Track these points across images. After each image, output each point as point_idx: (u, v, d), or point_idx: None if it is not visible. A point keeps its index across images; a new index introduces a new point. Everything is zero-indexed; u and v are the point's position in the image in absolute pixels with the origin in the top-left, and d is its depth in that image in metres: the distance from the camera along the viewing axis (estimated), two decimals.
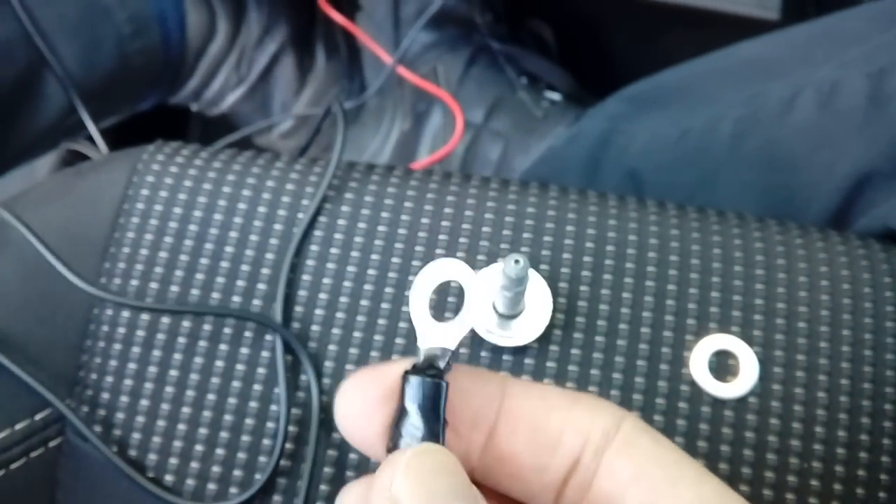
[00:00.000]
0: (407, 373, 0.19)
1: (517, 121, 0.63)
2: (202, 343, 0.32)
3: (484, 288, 0.30)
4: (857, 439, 0.30)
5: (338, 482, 0.30)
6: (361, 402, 0.19)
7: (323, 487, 0.30)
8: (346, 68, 0.70)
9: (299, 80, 0.68)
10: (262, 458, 0.30)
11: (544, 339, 0.30)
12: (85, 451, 0.31)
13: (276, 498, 0.30)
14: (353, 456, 0.30)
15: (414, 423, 0.19)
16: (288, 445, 0.30)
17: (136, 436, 0.31)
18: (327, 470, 0.30)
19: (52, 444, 0.32)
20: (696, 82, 0.50)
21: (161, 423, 0.31)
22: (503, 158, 0.62)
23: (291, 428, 0.30)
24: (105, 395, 0.31)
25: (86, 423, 0.31)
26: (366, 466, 0.30)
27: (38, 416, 0.31)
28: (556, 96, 0.65)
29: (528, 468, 0.19)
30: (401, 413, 0.19)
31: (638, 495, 0.18)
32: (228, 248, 0.33)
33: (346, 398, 0.20)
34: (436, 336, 0.20)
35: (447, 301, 0.31)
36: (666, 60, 0.54)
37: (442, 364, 0.19)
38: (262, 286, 0.32)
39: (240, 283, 0.32)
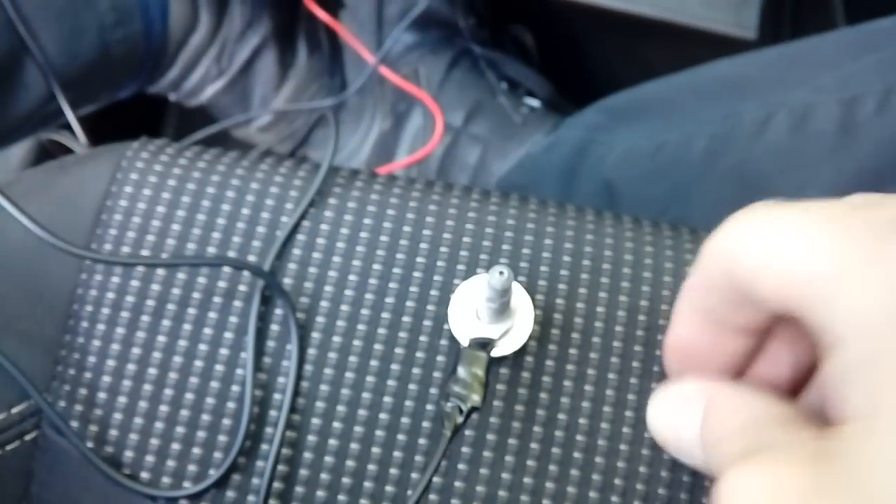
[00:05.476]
0: (462, 348, 0.29)
1: (496, 126, 0.64)
2: (184, 327, 0.32)
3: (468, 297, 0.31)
4: None
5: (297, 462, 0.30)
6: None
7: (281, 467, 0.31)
8: (327, 65, 0.70)
9: (280, 75, 0.68)
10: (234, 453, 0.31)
11: (521, 349, 0.31)
12: (61, 445, 0.31)
13: (236, 478, 0.31)
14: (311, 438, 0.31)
15: (464, 379, 0.28)
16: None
17: (114, 432, 0.31)
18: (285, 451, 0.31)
19: (27, 437, 0.32)
20: (674, 97, 0.51)
21: (138, 420, 0.31)
22: (481, 162, 0.63)
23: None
24: (83, 391, 0.31)
25: (62, 418, 0.31)
26: (323, 448, 0.30)
27: (14, 410, 0.31)
28: (535, 103, 0.66)
29: None
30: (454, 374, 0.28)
31: None
32: (211, 249, 0.33)
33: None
34: (478, 330, 0.30)
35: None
36: (645, 73, 0.55)
37: (488, 347, 0.29)
38: (243, 288, 0.32)
39: (221, 283, 0.32)
